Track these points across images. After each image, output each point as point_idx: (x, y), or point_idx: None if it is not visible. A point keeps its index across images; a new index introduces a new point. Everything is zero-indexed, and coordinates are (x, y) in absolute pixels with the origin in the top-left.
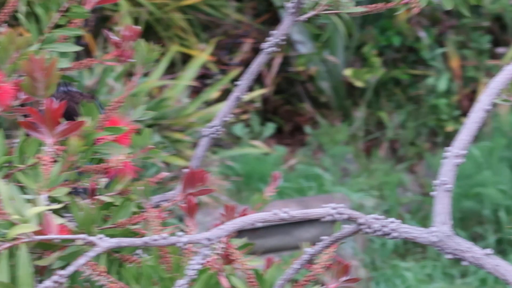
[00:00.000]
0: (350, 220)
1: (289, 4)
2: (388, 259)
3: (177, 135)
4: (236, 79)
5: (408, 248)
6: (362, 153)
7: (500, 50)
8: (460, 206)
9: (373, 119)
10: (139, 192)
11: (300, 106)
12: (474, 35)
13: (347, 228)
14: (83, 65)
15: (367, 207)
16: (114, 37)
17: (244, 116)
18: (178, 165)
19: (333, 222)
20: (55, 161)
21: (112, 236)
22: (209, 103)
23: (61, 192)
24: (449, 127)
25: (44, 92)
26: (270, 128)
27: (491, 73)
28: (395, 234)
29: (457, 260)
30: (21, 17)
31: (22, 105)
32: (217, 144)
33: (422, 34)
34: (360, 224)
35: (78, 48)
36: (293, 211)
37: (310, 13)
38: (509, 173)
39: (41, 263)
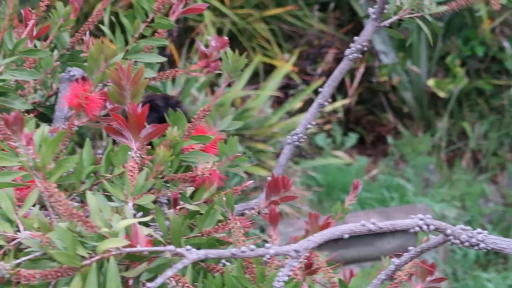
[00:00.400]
0: (437, 231)
1: (371, 10)
2: (469, 269)
3: (260, 146)
4: (319, 89)
5: (490, 259)
6: (444, 163)
7: None
8: None
9: (456, 129)
10: (224, 201)
11: (383, 116)
12: None
13: (434, 239)
14: (168, 76)
15: (449, 218)
16: (202, 48)
17: (327, 127)
18: (260, 175)
19: (416, 233)
20: (141, 167)
21: (198, 244)
22: (291, 114)
23: (147, 199)
24: None
25: (131, 101)
26: (352, 139)
27: None
28: (482, 245)
29: None
30: (104, 28)
31: (108, 115)
32: (299, 155)
33: (506, 44)
34: (448, 235)
35: (163, 59)
36: (380, 223)
37: (393, 18)
38: None
39: (128, 274)
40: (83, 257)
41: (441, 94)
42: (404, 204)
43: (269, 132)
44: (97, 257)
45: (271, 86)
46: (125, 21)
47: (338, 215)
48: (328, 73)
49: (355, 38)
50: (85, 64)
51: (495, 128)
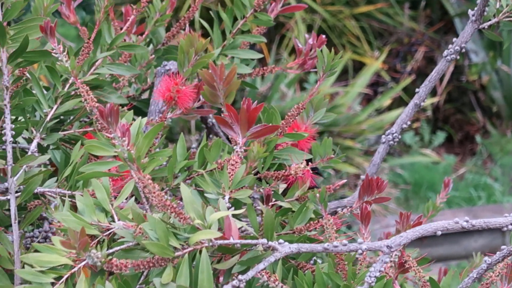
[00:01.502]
0: None
1: (471, 12)
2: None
3: (348, 142)
4: (408, 87)
5: None
6: None
7: None
8: None
9: None
10: (316, 198)
11: (471, 115)
12: None
13: None
14: (265, 72)
15: None
16: (299, 45)
17: (415, 125)
18: (347, 172)
19: (503, 232)
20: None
21: (289, 242)
22: (380, 111)
23: (244, 194)
24: None
25: (224, 100)
26: (440, 137)
27: None
28: None
29: None
30: (203, 22)
31: (201, 107)
32: (387, 152)
33: None
34: None
35: (259, 55)
36: (473, 220)
37: (493, 21)
38: None
39: (220, 267)
40: (176, 248)
41: None
42: (492, 203)
43: (357, 129)
44: (190, 249)
45: (361, 83)
46: (224, 16)
47: (429, 213)
48: (417, 71)
49: (454, 39)
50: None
51: None
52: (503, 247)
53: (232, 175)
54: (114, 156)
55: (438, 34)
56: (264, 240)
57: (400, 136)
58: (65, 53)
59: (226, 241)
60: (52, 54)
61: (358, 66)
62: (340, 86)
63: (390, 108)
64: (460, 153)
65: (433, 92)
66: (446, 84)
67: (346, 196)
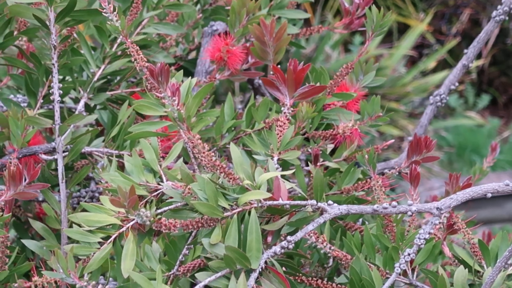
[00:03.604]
0: None
1: None
2: None
3: (392, 104)
4: (453, 49)
5: None
6: None
7: None
8: None
9: None
10: (364, 158)
11: None
12: None
13: None
14: (312, 32)
15: None
16: (346, 5)
17: (459, 87)
18: (392, 134)
19: None
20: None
21: (337, 202)
22: (425, 73)
23: (293, 155)
24: None
25: (274, 57)
26: (484, 100)
27: None
28: None
29: None
30: None
31: (248, 69)
32: None
33: None
34: None
35: (307, 15)
36: None
37: None
38: None
39: (269, 227)
40: (225, 209)
41: None
42: None
43: (402, 91)
44: (239, 209)
45: (405, 45)
46: None
47: (476, 177)
48: (463, 34)
49: (502, 0)
50: (228, 18)
51: None
52: None
53: (280, 136)
54: (161, 117)
55: None
56: (314, 201)
57: (447, 98)
58: (115, 13)
59: (275, 202)
60: (102, 13)
61: (403, 28)
62: (385, 48)
63: (435, 70)
64: (505, 116)
65: (478, 55)
66: (491, 47)
67: (390, 158)
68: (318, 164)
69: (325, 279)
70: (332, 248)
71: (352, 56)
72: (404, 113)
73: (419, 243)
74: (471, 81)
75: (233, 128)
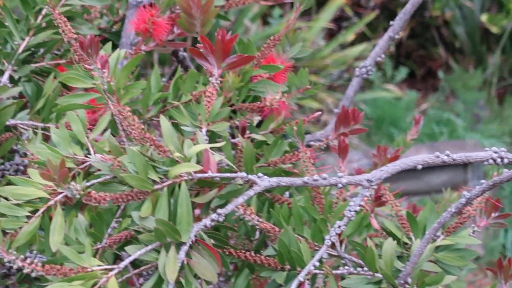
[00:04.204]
0: (511, 164)
1: None
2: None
3: (312, 77)
4: (371, 22)
5: None
6: (495, 99)
7: None
8: None
9: (507, 65)
10: (293, 130)
11: (434, 51)
12: None
13: (507, 172)
14: (237, 4)
15: None
16: None
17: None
18: (311, 107)
19: (465, 167)
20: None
21: (264, 175)
22: (344, 46)
23: (221, 126)
24: None
25: (201, 29)
26: (402, 73)
27: None
28: None
29: None
30: None
31: (173, 40)
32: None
33: None
34: None
35: None
36: (454, 154)
37: None
38: None
39: (199, 200)
40: (154, 182)
41: (494, 29)
42: (454, 139)
43: (321, 64)
44: (169, 182)
45: (324, 18)
46: None
47: (400, 149)
48: (381, 6)
49: None
50: None
51: None
52: (482, 181)
53: (208, 107)
54: (86, 89)
55: None
56: (244, 174)
57: (373, 69)
58: None
59: (205, 175)
60: None
61: (322, 1)
62: (303, 21)
63: (353, 43)
64: (423, 89)
65: None
66: (410, 20)
67: (311, 131)
68: (245, 136)
69: (252, 251)
70: (260, 220)
71: (271, 29)
72: (323, 85)
73: (350, 215)
74: (389, 53)
75: (159, 100)
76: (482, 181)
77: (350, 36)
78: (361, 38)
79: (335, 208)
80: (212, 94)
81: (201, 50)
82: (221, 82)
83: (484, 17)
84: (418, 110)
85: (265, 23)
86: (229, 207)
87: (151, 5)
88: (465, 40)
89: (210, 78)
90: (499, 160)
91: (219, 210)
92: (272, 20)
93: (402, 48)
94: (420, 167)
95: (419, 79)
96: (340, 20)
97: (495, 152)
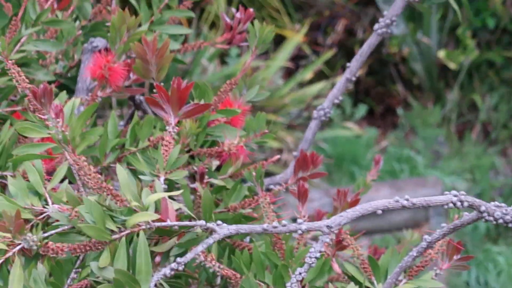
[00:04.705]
0: (471, 207)
1: None
2: (479, 243)
3: (270, 116)
4: (330, 60)
5: (500, 232)
6: (454, 135)
7: None
8: None
9: (466, 101)
10: (252, 176)
11: (392, 88)
12: None
13: (468, 216)
14: (194, 48)
15: (459, 190)
16: (227, 20)
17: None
18: (271, 146)
19: (426, 207)
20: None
21: (224, 220)
22: (302, 85)
23: (179, 174)
24: None
25: (157, 75)
26: (361, 110)
27: None
28: None
29: None
30: None
31: (130, 85)
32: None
33: None
34: (482, 212)
35: (188, 31)
36: (414, 199)
37: None
38: None
39: (158, 249)
40: (112, 231)
41: (452, 65)
42: (415, 176)
43: (279, 103)
44: (127, 231)
45: (282, 56)
46: None
47: (360, 190)
48: (338, 44)
49: (385, 12)
50: (109, 34)
51: (505, 100)
52: (443, 225)
53: (166, 155)
54: (42, 138)
55: (358, 6)
56: (202, 222)
57: (331, 112)
58: None
59: (164, 223)
60: None
61: (279, 40)
62: (261, 60)
63: (312, 81)
64: (382, 126)
65: None
66: (367, 57)
67: (272, 171)
68: (204, 181)
69: None
70: (221, 267)
71: (228, 69)
72: (282, 125)
73: (310, 262)
74: (348, 91)
75: (116, 147)
76: (443, 224)
77: (308, 74)
78: (319, 76)
79: (296, 253)
80: (170, 142)
81: (157, 99)
82: (178, 127)
83: (441, 53)
84: (378, 148)
85: (223, 62)
86: (189, 256)
87: (106, 50)
88: (423, 76)
89: (167, 127)
90: (459, 204)
91: (178, 259)
92: (230, 60)
93: (361, 85)
94: (380, 212)
95: (378, 116)
96: (298, 59)
97: (455, 196)
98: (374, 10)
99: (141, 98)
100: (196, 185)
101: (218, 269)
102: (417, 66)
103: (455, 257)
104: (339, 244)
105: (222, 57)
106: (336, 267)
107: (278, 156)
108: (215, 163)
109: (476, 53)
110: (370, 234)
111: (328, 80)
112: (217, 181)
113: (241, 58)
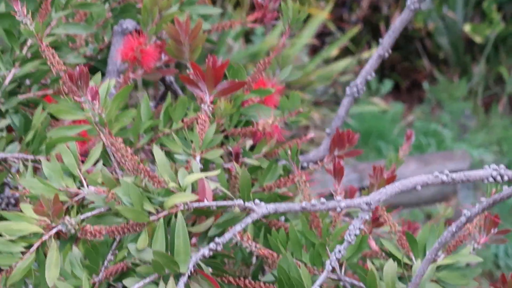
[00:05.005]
0: (510, 181)
1: None
2: (508, 215)
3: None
4: (355, 37)
5: None
6: (481, 109)
7: None
8: None
9: (492, 74)
10: (287, 154)
11: (418, 62)
12: None
13: (507, 189)
14: (224, 27)
15: (487, 163)
16: None
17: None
18: (297, 124)
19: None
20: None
21: (259, 200)
22: (328, 61)
23: (215, 154)
24: None
25: (190, 55)
26: (387, 85)
27: None
28: None
29: None
30: None
31: (164, 66)
32: (335, 102)
33: None
34: None
35: (218, 10)
36: (454, 174)
37: None
38: None
39: (196, 230)
40: (150, 213)
41: (478, 39)
42: (442, 150)
43: (305, 80)
44: (165, 213)
45: (307, 34)
46: None
47: (393, 165)
48: (364, 21)
49: None
50: (139, 16)
51: None
52: (482, 199)
53: (202, 134)
54: (74, 121)
55: None
56: (241, 201)
57: (364, 88)
58: (29, 16)
59: (202, 204)
60: (15, 16)
61: (304, 17)
62: (287, 38)
63: (337, 58)
64: (408, 101)
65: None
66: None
67: (301, 150)
68: (239, 161)
69: (250, 277)
70: (258, 246)
71: (253, 47)
72: (309, 102)
73: (350, 240)
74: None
75: (151, 128)
76: (482, 198)
77: (333, 51)
78: (345, 53)
79: (333, 231)
80: (205, 121)
81: (192, 77)
82: (212, 108)
83: (467, 27)
84: (405, 122)
85: (248, 41)
86: (227, 236)
87: (137, 31)
88: (449, 51)
89: (202, 105)
90: (499, 178)
91: (217, 239)
92: (255, 38)
93: (387, 61)
94: (419, 187)
95: (404, 91)
96: (323, 36)
97: (495, 170)
98: None
99: (171, 78)
100: (231, 165)
101: (255, 248)
102: (443, 41)
103: (492, 231)
104: (376, 221)
105: (247, 36)
106: (373, 244)
107: (312, 134)
108: (249, 142)
109: (502, 26)
110: (398, 208)
111: (354, 56)
112: (251, 161)
113: (266, 37)
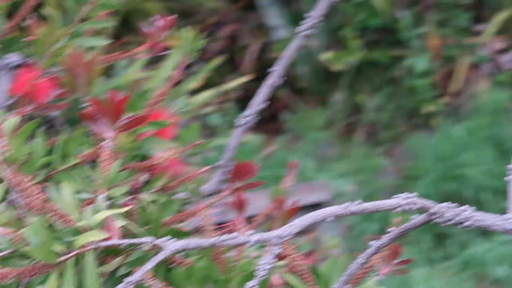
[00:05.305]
0: (421, 210)
1: None
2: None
3: None
4: (217, 67)
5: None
6: (340, 138)
7: (479, 27)
8: (442, 188)
9: (351, 102)
10: (189, 189)
11: (277, 92)
12: (454, 13)
13: (417, 218)
14: (114, 59)
15: (347, 193)
16: (147, 29)
17: (223, 105)
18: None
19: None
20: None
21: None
22: (191, 93)
23: (120, 191)
24: (428, 108)
25: (86, 88)
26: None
27: (470, 51)
28: (468, 223)
29: (438, 244)
30: (50, 10)
31: (55, 100)
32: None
33: (401, 14)
34: (432, 214)
35: (107, 41)
36: (364, 204)
37: None
38: (492, 153)
39: (105, 269)
40: (60, 253)
41: (337, 67)
42: (303, 181)
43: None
44: (75, 252)
45: (169, 66)
46: (68, 2)
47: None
48: (226, 50)
49: (309, 14)
50: (26, 49)
51: (391, 100)
52: (390, 229)
53: (105, 171)
54: None
55: (240, 12)
56: (150, 239)
57: (256, 118)
58: None
59: (111, 242)
60: None
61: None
62: (148, 70)
63: (199, 90)
64: (269, 132)
65: (239, 72)
66: (254, 62)
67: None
68: (136, 197)
69: None
70: (163, 284)
71: (118, 80)
72: None
73: (261, 275)
74: (237, 98)
75: (46, 165)
76: (391, 228)
77: (195, 83)
78: (209, 83)
79: (237, 265)
80: (108, 157)
81: (93, 113)
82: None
83: (326, 56)
84: (264, 154)
85: (107, 75)
86: (137, 275)
87: (26, 65)
88: (308, 79)
89: (104, 142)
90: (408, 207)
91: (128, 279)
92: (117, 72)
93: (246, 92)
94: (330, 219)
95: (264, 121)
96: (186, 67)
97: (405, 199)
98: (254, 13)
99: (54, 114)
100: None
101: (160, 286)
102: (303, 70)
103: (394, 261)
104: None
105: (107, 70)
106: (275, 279)
107: (208, 167)
108: (144, 177)
109: (362, 53)
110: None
111: (217, 88)
112: (146, 196)
113: (129, 69)
